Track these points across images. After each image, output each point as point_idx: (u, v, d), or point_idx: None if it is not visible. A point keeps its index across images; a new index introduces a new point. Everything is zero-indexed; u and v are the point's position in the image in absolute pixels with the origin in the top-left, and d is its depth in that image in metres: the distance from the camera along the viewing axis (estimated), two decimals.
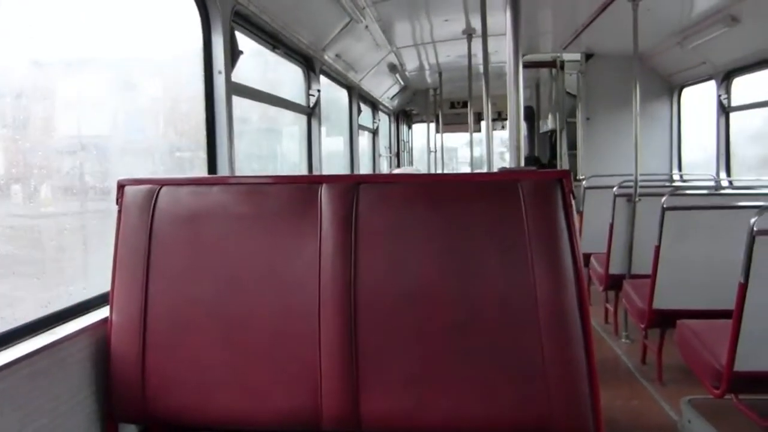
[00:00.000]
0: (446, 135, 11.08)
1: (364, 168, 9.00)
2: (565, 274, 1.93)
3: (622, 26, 5.48)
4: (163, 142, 3.12)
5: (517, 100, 2.77)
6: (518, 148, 2.67)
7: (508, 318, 1.92)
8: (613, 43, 7.08)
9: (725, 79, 6.25)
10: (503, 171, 2.31)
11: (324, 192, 2.08)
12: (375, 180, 2.16)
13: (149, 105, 3.05)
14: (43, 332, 1.99)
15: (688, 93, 7.54)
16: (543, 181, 2.01)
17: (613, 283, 5.23)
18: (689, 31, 5.89)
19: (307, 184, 2.13)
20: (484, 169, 6.35)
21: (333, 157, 7.53)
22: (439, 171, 10.76)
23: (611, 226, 5.17)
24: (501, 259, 1.96)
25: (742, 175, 6.34)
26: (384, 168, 11.10)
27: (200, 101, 3.15)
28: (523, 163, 2.84)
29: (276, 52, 4.44)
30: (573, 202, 2.00)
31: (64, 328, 2.05)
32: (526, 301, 1.92)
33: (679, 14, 5.60)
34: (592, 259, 5.85)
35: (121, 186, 2.21)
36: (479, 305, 1.94)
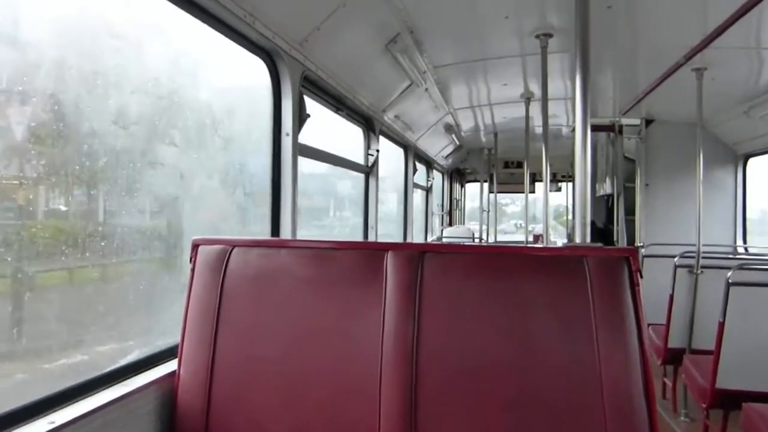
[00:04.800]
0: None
1: (417, 225, 9.03)
2: (631, 355, 1.90)
3: (685, 93, 5.43)
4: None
5: (584, 171, 2.75)
6: (584, 224, 2.64)
7: (571, 397, 1.89)
8: (675, 109, 7.00)
9: None
10: (568, 246, 2.29)
11: (389, 259, 2.11)
12: (440, 249, 2.19)
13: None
14: (117, 383, 2.06)
15: (754, 162, 7.34)
16: (610, 258, 2.00)
17: (673, 358, 5.05)
18: (756, 101, 5.76)
19: (373, 251, 2.16)
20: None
21: (386, 214, 7.59)
22: (492, 230, 10.67)
23: (671, 297, 5.02)
24: (565, 336, 1.94)
25: None
26: (436, 226, 11.11)
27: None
28: (585, 232, 2.79)
29: (339, 114, 4.57)
30: (640, 281, 1.97)
31: (135, 381, 2.12)
32: (589, 380, 1.88)
33: (745, 84, 5.51)
34: (650, 330, 5.65)
35: (195, 245, 2.30)
36: (541, 381, 1.92)
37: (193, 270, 2.28)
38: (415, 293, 2.04)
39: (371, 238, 5.47)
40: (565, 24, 4.07)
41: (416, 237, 8.35)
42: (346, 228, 6.08)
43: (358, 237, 5.54)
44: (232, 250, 2.26)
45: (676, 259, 5.03)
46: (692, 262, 4.93)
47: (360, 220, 5.53)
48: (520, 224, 22.53)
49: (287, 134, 3.27)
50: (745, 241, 7.42)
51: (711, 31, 3.98)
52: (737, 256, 6.48)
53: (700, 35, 4.13)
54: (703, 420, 4.21)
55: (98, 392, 1.98)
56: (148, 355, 2.32)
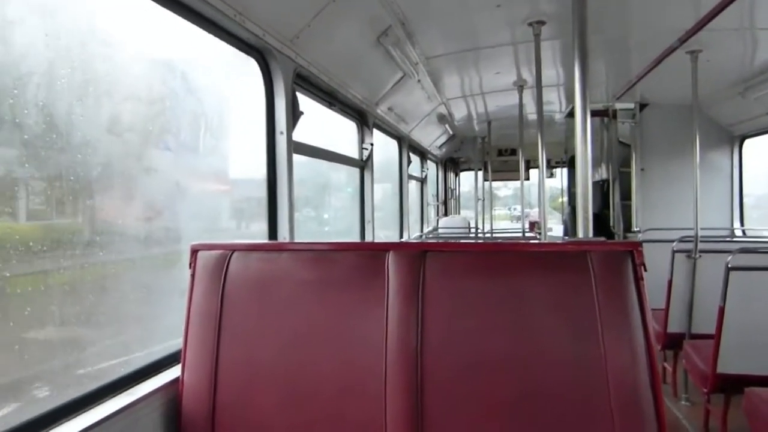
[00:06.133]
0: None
1: (413, 216, 9.01)
2: (636, 349, 1.90)
3: (679, 77, 5.41)
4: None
5: (585, 160, 2.72)
6: (586, 218, 2.62)
7: (577, 393, 1.89)
8: (670, 92, 6.97)
9: None
10: (571, 241, 2.28)
11: (391, 259, 2.09)
12: (441, 248, 2.17)
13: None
14: (121, 393, 2.05)
15: (750, 144, 7.31)
16: (613, 252, 2.00)
17: (672, 342, 5.05)
18: (752, 82, 5.73)
19: (374, 251, 2.15)
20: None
21: (381, 200, 7.52)
22: (488, 219, 10.65)
23: (670, 282, 5.01)
24: (569, 331, 1.94)
25: None
26: (432, 216, 11.08)
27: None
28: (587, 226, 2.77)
29: (332, 109, 4.53)
30: (644, 274, 1.96)
31: (139, 389, 2.11)
32: (595, 374, 1.88)
33: (741, 65, 5.48)
34: None
35: (194, 251, 2.28)
36: (546, 378, 1.91)
37: (192, 276, 2.26)
38: (418, 293, 2.03)
39: (368, 233, 5.45)
40: (558, 11, 4.04)
41: (412, 228, 8.32)
42: (338, 217, 6.01)
43: (352, 226, 5.49)
44: (231, 254, 2.24)
45: (674, 244, 5.02)
46: (690, 246, 4.92)
47: (352, 210, 5.49)
48: (514, 209, 22.53)
49: (281, 132, 3.23)
50: (742, 224, 7.42)
51: (705, 14, 3.95)
52: (735, 239, 6.48)
53: (694, 18, 4.10)
54: (705, 404, 4.21)
55: (102, 403, 1.97)
56: (151, 362, 2.30)
